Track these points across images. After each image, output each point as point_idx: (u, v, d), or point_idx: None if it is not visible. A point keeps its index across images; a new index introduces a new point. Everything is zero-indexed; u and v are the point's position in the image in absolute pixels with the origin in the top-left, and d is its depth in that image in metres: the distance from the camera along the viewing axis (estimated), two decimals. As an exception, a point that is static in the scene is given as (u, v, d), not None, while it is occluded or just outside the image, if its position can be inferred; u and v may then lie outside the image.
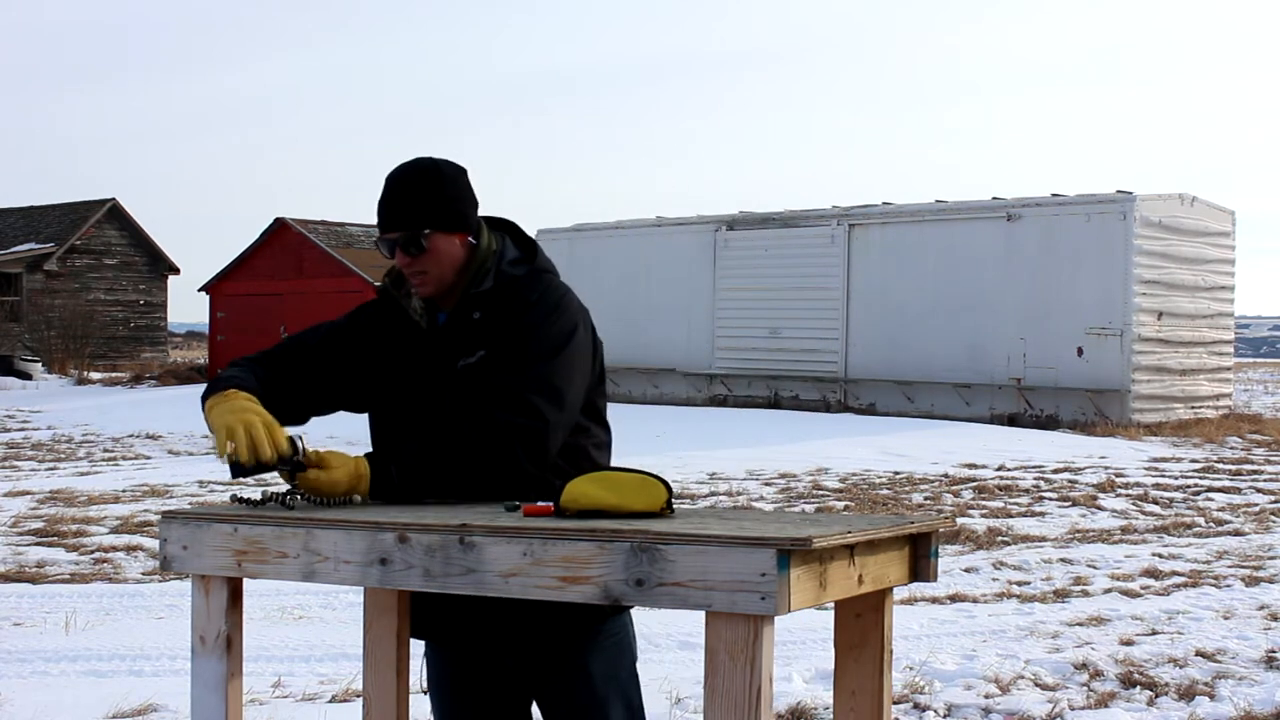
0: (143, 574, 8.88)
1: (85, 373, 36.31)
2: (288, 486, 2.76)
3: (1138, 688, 5.88)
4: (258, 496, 2.77)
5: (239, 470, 2.73)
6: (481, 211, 2.99)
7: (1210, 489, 13.46)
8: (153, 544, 9.61)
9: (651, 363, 25.91)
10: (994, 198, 22.80)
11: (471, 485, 2.74)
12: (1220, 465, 15.72)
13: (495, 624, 2.86)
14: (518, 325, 2.85)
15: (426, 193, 2.88)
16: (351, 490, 2.72)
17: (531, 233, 3.31)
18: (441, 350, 2.92)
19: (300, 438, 2.77)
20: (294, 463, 2.73)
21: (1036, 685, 5.95)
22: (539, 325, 2.84)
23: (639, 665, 3.06)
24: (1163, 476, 14.49)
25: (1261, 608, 7.69)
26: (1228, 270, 22.80)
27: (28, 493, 12.93)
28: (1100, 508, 12.10)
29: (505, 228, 3.04)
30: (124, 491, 12.97)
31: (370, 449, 2.92)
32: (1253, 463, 16.10)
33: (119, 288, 43.17)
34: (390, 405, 2.98)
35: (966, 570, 8.96)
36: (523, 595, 2.40)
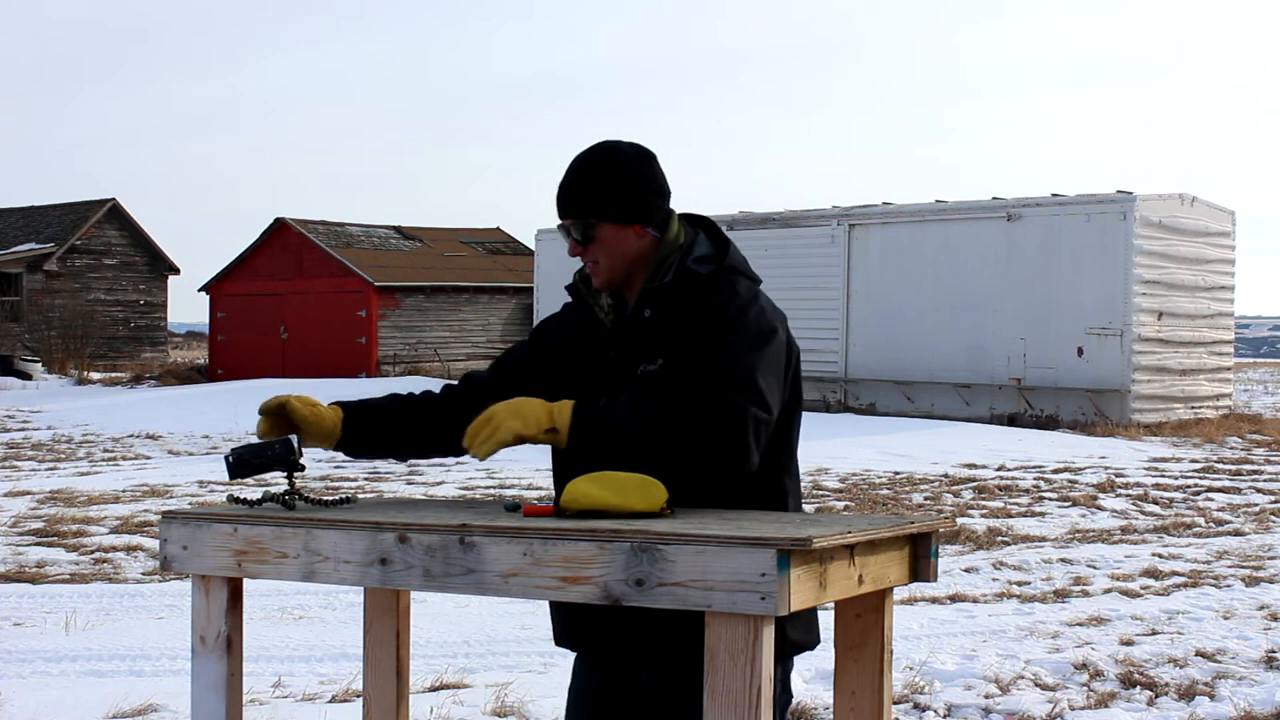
0: (143, 574, 8.88)
1: (85, 373, 36.30)
2: (285, 486, 2.76)
3: (1138, 688, 5.88)
4: (256, 496, 2.77)
5: (237, 472, 2.74)
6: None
7: (1210, 489, 13.46)
8: (153, 544, 9.61)
9: (651, 363, 25.89)
10: (994, 198, 22.80)
11: (668, 458, 2.56)
12: (1220, 465, 15.72)
13: (632, 635, 2.68)
14: (709, 325, 2.67)
15: (599, 180, 2.75)
16: (543, 418, 2.58)
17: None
18: (619, 350, 2.79)
19: (295, 438, 2.76)
20: (291, 463, 2.73)
21: (1036, 685, 5.95)
22: (738, 319, 2.66)
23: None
24: (1163, 476, 14.49)
25: (1261, 608, 7.69)
26: (1228, 270, 22.80)
27: (28, 493, 12.93)
28: (1100, 508, 12.10)
29: (701, 224, 2.87)
30: (124, 491, 12.97)
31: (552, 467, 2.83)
32: (1253, 463, 16.10)
33: (119, 288, 43.17)
34: None
35: (966, 570, 8.96)
36: (523, 596, 2.40)
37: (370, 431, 2.88)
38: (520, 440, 2.60)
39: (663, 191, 2.82)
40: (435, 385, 3.12)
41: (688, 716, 2.70)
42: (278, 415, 2.82)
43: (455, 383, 2.97)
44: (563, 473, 2.78)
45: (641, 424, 2.57)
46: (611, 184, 2.75)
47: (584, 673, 2.92)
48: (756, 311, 2.71)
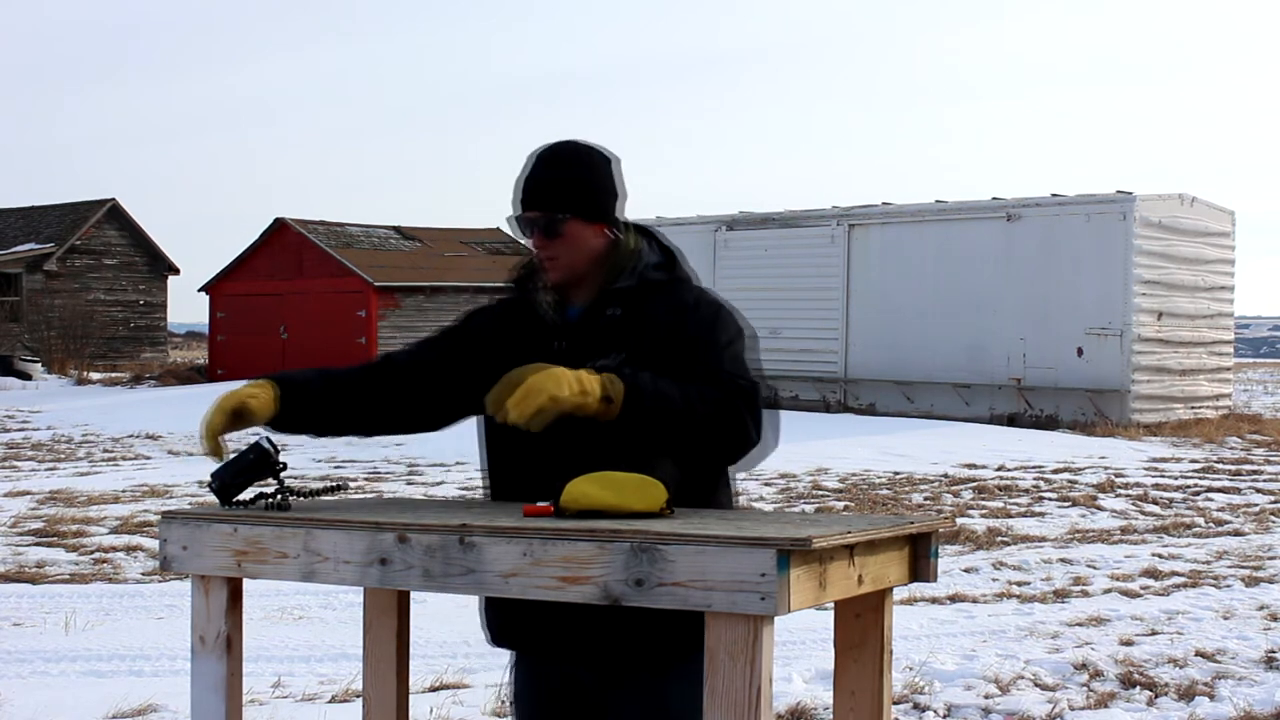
0: (143, 574, 8.88)
1: (85, 373, 36.29)
2: (275, 486, 2.76)
3: (1138, 688, 5.88)
4: (248, 496, 2.77)
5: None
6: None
7: (1210, 489, 13.46)
8: (153, 544, 9.61)
9: (651, 363, 25.88)
10: (994, 198, 22.80)
11: (705, 435, 2.62)
12: (1220, 465, 15.72)
13: (575, 633, 2.69)
14: (690, 322, 2.75)
15: (572, 176, 2.78)
16: (596, 387, 2.53)
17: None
18: (572, 346, 2.78)
19: (265, 439, 2.76)
20: (272, 466, 2.73)
21: (1036, 685, 5.95)
22: (718, 316, 2.77)
23: None
24: (1162, 477, 14.49)
25: (1261, 608, 7.69)
26: (1228, 270, 22.80)
27: (28, 493, 12.93)
28: (1100, 508, 12.10)
29: (647, 234, 2.91)
30: (124, 491, 12.97)
31: (479, 458, 2.85)
32: (1253, 463, 16.10)
33: (119, 288, 43.17)
34: None
35: (966, 570, 8.96)
36: (523, 595, 2.40)
37: (300, 409, 2.85)
38: (558, 410, 2.53)
39: (623, 196, 2.88)
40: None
41: (630, 714, 2.73)
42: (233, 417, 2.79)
43: (373, 362, 2.96)
44: (504, 459, 2.82)
45: (690, 400, 2.61)
46: (582, 182, 2.79)
47: (525, 672, 2.91)
48: (733, 313, 2.82)
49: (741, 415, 2.63)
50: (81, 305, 40.97)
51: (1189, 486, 13.65)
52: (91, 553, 9.58)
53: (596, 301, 2.81)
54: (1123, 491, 13.20)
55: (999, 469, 15.04)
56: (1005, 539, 10.30)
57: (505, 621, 2.83)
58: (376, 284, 33.78)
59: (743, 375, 2.70)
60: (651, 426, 2.58)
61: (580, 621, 2.65)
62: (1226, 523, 11.29)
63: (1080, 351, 21.01)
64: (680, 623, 2.47)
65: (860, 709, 2.68)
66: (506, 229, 2.88)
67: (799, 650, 6.50)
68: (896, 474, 14.54)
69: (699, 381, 2.65)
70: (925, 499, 12.65)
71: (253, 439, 2.77)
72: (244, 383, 2.87)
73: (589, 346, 2.76)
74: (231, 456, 2.75)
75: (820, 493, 12.88)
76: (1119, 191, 21.09)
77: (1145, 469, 15.21)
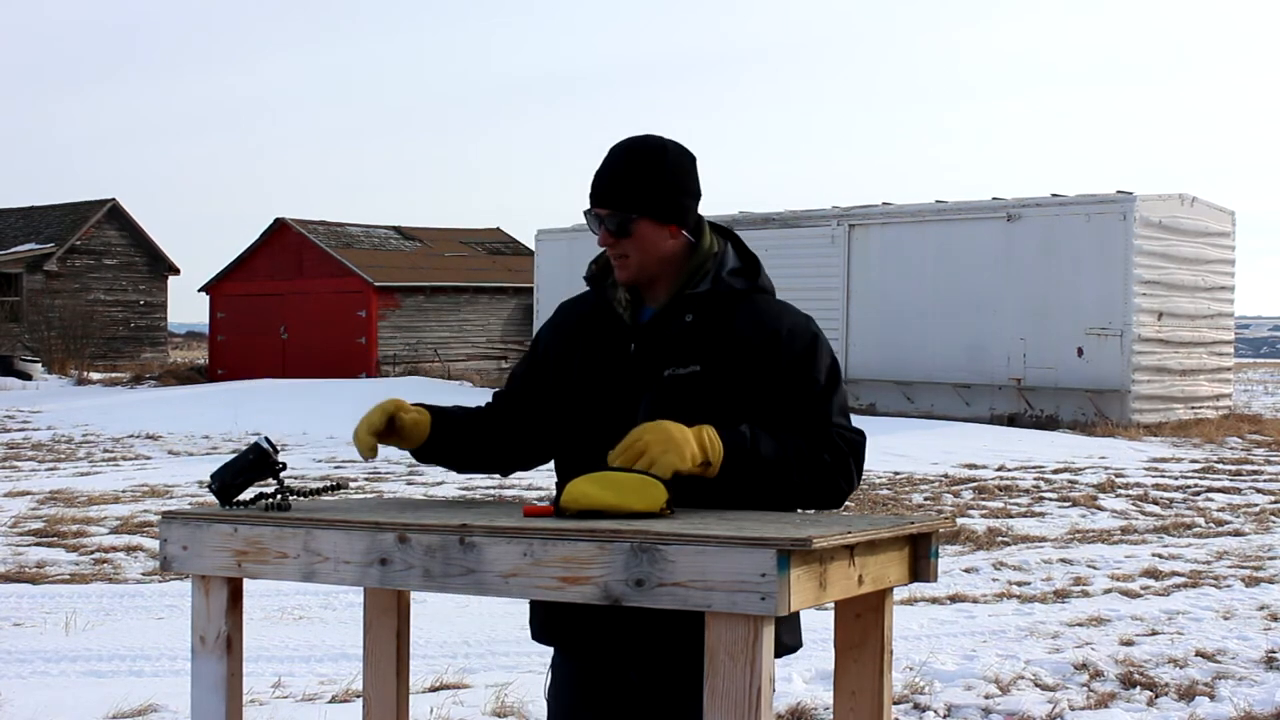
0: (143, 574, 8.88)
1: (85, 373, 36.30)
2: (275, 486, 2.76)
3: (1138, 688, 5.88)
4: (249, 497, 2.77)
5: (225, 497, 2.74)
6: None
7: (1210, 489, 13.46)
8: (153, 544, 9.61)
9: (651, 363, 25.88)
10: (994, 198, 22.80)
11: (805, 490, 2.64)
12: (1220, 465, 15.72)
13: (624, 633, 2.66)
14: (786, 353, 2.69)
15: (645, 175, 2.70)
16: (698, 452, 2.52)
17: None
18: (644, 349, 2.74)
19: (265, 439, 2.76)
20: (271, 466, 2.73)
21: (1036, 685, 5.95)
22: (816, 349, 2.73)
23: None
24: (1163, 477, 14.49)
25: (1261, 608, 7.69)
26: (1228, 270, 22.80)
27: (28, 493, 12.93)
28: (1100, 508, 12.10)
29: (728, 236, 2.84)
30: (124, 491, 12.97)
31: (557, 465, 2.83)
32: (1253, 463, 16.10)
33: (119, 288, 43.17)
34: (581, 404, 2.77)
35: (966, 570, 8.96)
36: (523, 596, 2.40)
37: (448, 443, 2.85)
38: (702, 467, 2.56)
39: (698, 195, 2.80)
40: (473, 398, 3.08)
41: (680, 716, 2.70)
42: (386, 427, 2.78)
43: (490, 403, 2.95)
44: (573, 474, 2.77)
45: (789, 456, 2.61)
46: (657, 181, 2.71)
47: (566, 669, 2.88)
48: (825, 341, 2.78)
49: (848, 474, 2.67)
50: (81, 305, 40.96)
51: (1189, 487, 13.65)
52: (92, 553, 9.58)
53: (671, 305, 2.74)
54: (1123, 492, 13.20)
55: (999, 469, 15.04)
56: (1005, 539, 10.30)
57: (550, 618, 2.81)
58: (376, 284, 33.78)
59: (848, 428, 2.70)
60: (746, 487, 2.60)
61: (632, 623, 2.62)
62: (1227, 523, 11.29)
63: (1080, 351, 21.01)
64: None
65: (860, 709, 2.68)
66: (511, 232, 2.85)
67: (799, 650, 6.49)
68: (896, 474, 14.54)
69: (805, 434, 2.65)
70: (925, 499, 12.65)
71: (251, 439, 2.77)
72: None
73: (662, 352, 2.72)
74: (232, 458, 2.76)
75: (820, 493, 12.87)
76: (1119, 191, 21.09)
77: (1145, 469, 15.21)
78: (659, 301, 2.76)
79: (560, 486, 2.78)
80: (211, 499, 2.76)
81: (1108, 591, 8.27)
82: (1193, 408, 21.80)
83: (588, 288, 2.88)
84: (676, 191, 2.74)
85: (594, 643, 2.75)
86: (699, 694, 2.64)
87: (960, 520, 11.00)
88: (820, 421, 2.67)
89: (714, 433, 2.56)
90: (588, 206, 2.77)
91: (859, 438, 2.70)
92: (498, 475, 3.02)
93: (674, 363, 2.69)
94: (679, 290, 2.74)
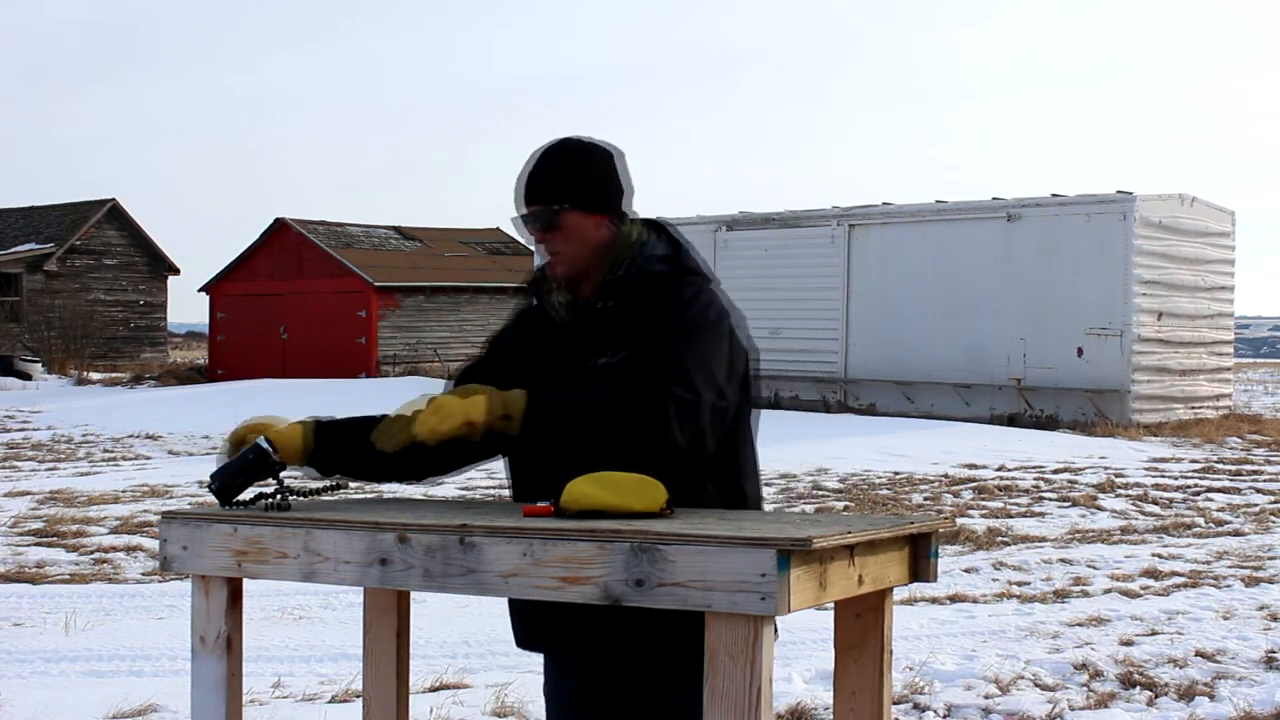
0: (143, 574, 8.88)
1: (85, 373, 36.29)
2: (274, 486, 2.76)
3: (1138, 688, 5.88)
4: (249, 497, 2.77)
5: (224, 496, 2.74)
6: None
7: (1210, 489, 13.46)
8: (153, 544, 9.61)
9: (651, 363, 25.85)
10: (994, 198, 22.80)
11: (603, 441, 2.58)
12: (1220, 465, 15.72)
13: (597, 636, 2.68)
14: (655, 318, 2.70)
15: (568, 168, 2.78)
16: (497, 405, 2.59)
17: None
18: (574, 342, 2.78)
19: (265, 440, 2.76)
20: (271, 465, 2.73)
21: (1036, 685, 5.95)
22: (678, 310, 2.70)
23: None
24: (1162, 477, 14.49)
25: (1261, 608, 7.68)
26: (1228, 270, 22.79)
27: (28, 493, 12.93)
28: (1100, 508, 12.10)
29: (656, 227, 2.88)
30: (124, 491, 12.97)
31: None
32: (1253, 463, 16.09)
33: (119, 288, 43.17)
34: None
35: (966, 570, 8.96)
36: (523, 595, 2.40)
37: (340, 448, 2.83)
38: (469, 427, 2.59)
39: (625, 188, 2.85)
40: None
41: (661, 716, 2.72)
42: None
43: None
44: (520, 465, 2.83)
45: (584, 408, 2.61)
46: (579, 173, 2.78)
47: (556, 673, 2.91)
48: (700, 305, 2.74)
49: (640, 420, 2.56)
50: (81, 305, 40.96)
51: (1189, 487, 13.65)
52: (91, 553, 9.58)
53: (595, 295, 2.79)
54: (1123, 492, 13.20)
55: (999, 469, 15.04)
56: (1005, 539, 10.30)
57: (530, 625, 2.82)
58: (376, 284, 33.78)
59: (664, 375, 2.60)
60: (555, 438, 2.61)
61: (605, 625, 2.64)
62: (1226, 523, 11.29)
63: (1080, 351, 21.01)
64: (699, 629, 2.46)
65: (860, 709, 2.68)
66: (512, 231, 2.86)
67: (799, 650, 6.50)
68: (896, 474, 14.54)
69: (625, 378, 2.62)
70: (925, 499, 12.65)
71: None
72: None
73: (590, 343, 2.75)
74: (234, 459, 2.76)
75: (820, 493, 12.88)
76: (1119, 191, 21.09)
77: (1145, 469, 15.21)
78: (589, 295, 2.81)
79: (513, 486, 2.84)
80: (211, 499, 2.75)
81: (1108, 591, 8.27)
82: (1193, 408, 21.79)
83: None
84: (600, 183, 2.80)
85: (572, 647, 2.76)
86: (678, 695, 2.67)
87: (960, 520, 11.00)
88: (637, 370, 2.62)
89: (516, 393, 2.61)
90: (517, 214, 2.83)
91: (661, 393, 2.57)
92: (413, 483, 2.97)
93: (600, 352, 2.73)
94: (602, 280, 2.79)
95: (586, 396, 2.63)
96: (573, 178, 2.78)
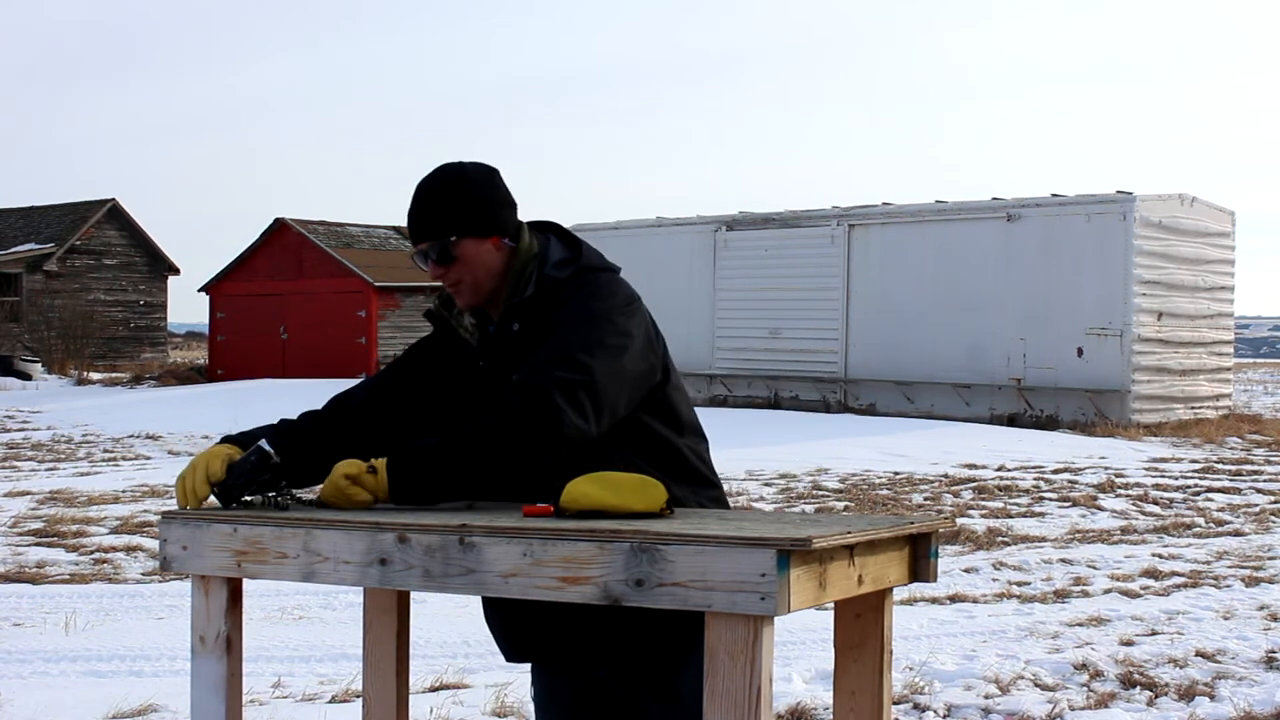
0: (143, 574, 8.88)
1: (85, 373, 36.30)
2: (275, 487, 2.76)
3: (1138, 688, 5.88)
4: (249, 497, 2.77)
5: (226, 498, 2.74)
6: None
7: (1210, 489, 13.46)
8: (153, 544, 9.61)
9: (651, 363, 25.86)
10: (994, 198, 22.80)
11: (507, 455, 2.53)
12: (1220, 466, 15.72)
13: (585, 635, 2.68)
14: (560, 320, 2.67)
15: (451, 198, 2.73)
16: (348, 487, 2.61)
17: None
18: (489, 368, 2.77)
19: (264, 443, 2.76)
20: (273, 467, 2.73)
21: (1036, 685, 5.95)
22: (582, 302, 2.67)
23: None
24: (1162, 477, 14.49)
25: (1261, 608, 7.69)
26: (1228, 270, 22.80)
27: (28, 493, 12.93)
28: (1100, 508, 12.10)
29: (549, 229, 2.84)
30: (124, 492, 12.97)
31: None
32: (1253, 463, 16.10)
33: (119, 288, 43.17)
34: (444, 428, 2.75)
35: (966, 570, 8.96)
36: (523, 595, 2.40)
37: (299, 455, 2.81)
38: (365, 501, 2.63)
39: (511, 203, 2.82)
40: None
41: (655, 709, 2.74)
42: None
43: (323, 410, 2.91)
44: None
45: (455, 437, 2.57)
46: (463, 199, 2.74)
47: (547, 681, 2.91)
48: (599, 294, 2.69)
49: (523, 414, 2.52)
50: (81, 305, 40.97)
51: (1189, 487, 13.65)
52: (91, 553, 9.58)
53: (503, 318, 2.77)
54: (1123, 492, 13.20)
55: (999, 469, 15.04)
56: (1005, 539, 10.30)
57: (513, 639, 2.82)
58: (376, 284, 33.78)
59: (575, 357, 2.56)
60: (428, 490, 2.59)
61: (589, 624, 2.65)
62: (1226, 523, 11.29)
63: (1080, 351, 21.01)
64: (684, 614, 2.46)
65: (860, 709, 2.68)
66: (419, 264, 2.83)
67: (799, 650, 6.50)
68: (896, 474, 14.54)
69: (522, 372, 2.59)
70: (925, 499, 12.65)
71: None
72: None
73: (505, 366, 2.74)
74: (234, 462, 2.76)
75: (820, 493, 12.88)
76: (1119, 191, 21.09)
77: (1145, 469, 15.21)
78: (499, 316, 2.79)
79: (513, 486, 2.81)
80: (212, 500, 2.75)
81: (1108, 591, 8.27)
82: (1193, 408, 21.80)
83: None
84: (486, 204, 2.76)
85: (560, 656, 2.77)
86: (672, 678, 2.69)
87: (960, 520, 11.00)
88: (532, 368, 2.59)
89: (379, 463, 2.61)
90: (411, 250, 2.82)
91: (577, 375, 2.54)
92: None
93: (514, 372, 2.68)
94: (507, 301, 2.76)
95: (458, 431, 2.58)
96: (457, 205, 2.73)
